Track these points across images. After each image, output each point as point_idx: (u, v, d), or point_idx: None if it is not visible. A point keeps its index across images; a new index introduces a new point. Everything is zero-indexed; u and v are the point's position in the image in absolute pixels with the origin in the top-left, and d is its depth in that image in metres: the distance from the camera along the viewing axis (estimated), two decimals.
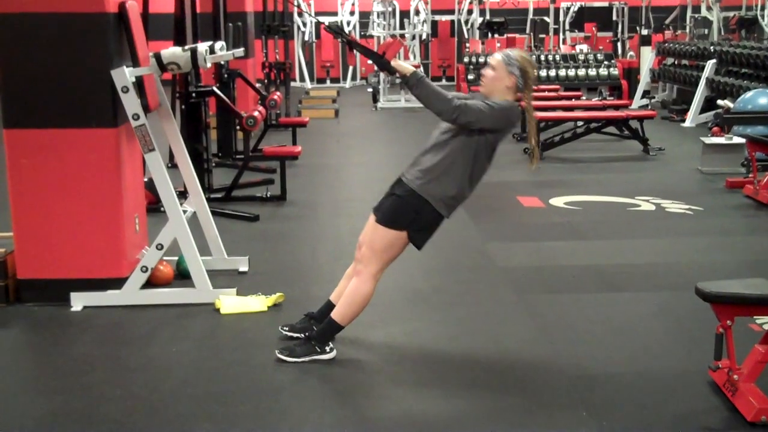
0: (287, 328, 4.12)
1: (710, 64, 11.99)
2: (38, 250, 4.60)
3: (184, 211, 4.87)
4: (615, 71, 14.29)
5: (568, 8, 18.12)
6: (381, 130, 12.22)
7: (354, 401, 3.54)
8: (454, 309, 4.60)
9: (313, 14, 18.01)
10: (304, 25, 18.33)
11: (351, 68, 18.81)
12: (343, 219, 6.56)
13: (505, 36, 16.89)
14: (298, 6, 16.33)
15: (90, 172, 4.55)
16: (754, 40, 14.51)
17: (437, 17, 19.07)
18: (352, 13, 18.67)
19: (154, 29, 6.15)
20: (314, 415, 3.37)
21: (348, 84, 18.77)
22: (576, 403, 3.45)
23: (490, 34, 16.54)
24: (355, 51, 3.88)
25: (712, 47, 12.38)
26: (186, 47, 4.82)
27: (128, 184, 4.70)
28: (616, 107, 11.05)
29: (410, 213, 3.68)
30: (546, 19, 17.68)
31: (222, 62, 8.38)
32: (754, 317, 4.14)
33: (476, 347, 4.07)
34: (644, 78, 14.39)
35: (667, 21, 16.96)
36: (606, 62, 14.47)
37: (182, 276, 4.91)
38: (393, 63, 3.69)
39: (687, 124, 11.94)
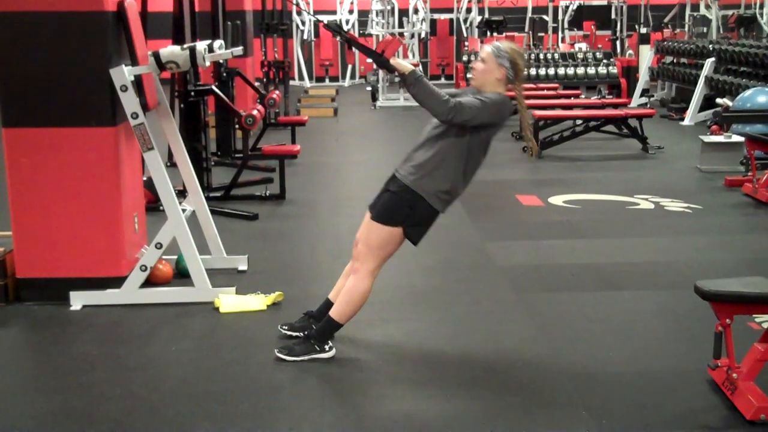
0: (286, 327, 4.12)
1: (709, 63, 11.99)
2: (37, 249, 4.60)
3: (183, 210, 4.87)
4: (614, 70, 14.28)
5: (567, 7, 18.11)
6: (380, 128, 12.21)
7: (353, 400, 3.55)
8: (454, 308, 4.60)
9: (311, 13, 18.00)
10: (303, 23, 18.32)
11: (350, 67, 18.80)
12: (342, 218, 6.56)
13: (504, 34, 16.85)
14: (297, 4, 16.32)
15: (89, 171, 4.54)
16: (753, 38, 14.50)
17: (436, 16, 19.06)
18: (351, 11, 18.67)
19: (152, 28, 6.15)
20: (313, 413, 3.37)
21: (347, 83, 18.76)
22: (575, 402, 3.45)
23: (488, 33, 16.52)
24: (354, 49, 3.88)
25: (711, 46, 12.38)
26: (185, 46, 4.82)
27: (127, 183, 4.70)
28: (615, 106, 11.04)
29: (404, 209, 3.68)
30: (545, 17, 17.68)
31: (221, 61, 8.37)
32: (753, 315, 4.14)
33: (475, 346, 4.07)
34: (643, 76, 14.39)
35: (666, 19, 16.95)
36: (605, 61, 14.46)
37: (181, 275, 4.91)
38: (392, 61, 3.69)
39: (686, 122, 11.94)
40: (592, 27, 18.18)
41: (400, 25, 17.15)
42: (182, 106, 6.82)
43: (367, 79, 16.25)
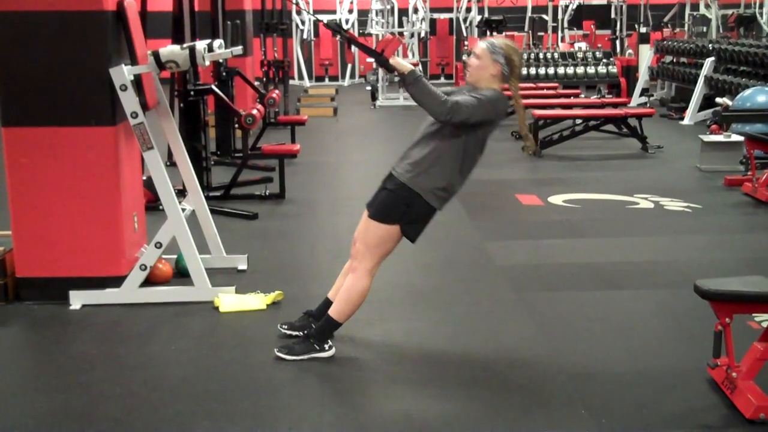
0: (286, 326, 4.12)
1: (709, 62, 11.99)
2: (37, 249, 4.60)
3: (183, 210, 4.87)
4: (614, 69, 14.29)
5: (567, 6, 18.11)
6: (380, 128, 12.22)
7: (353, 399, 3.55)
8: (453, 307, 4.60)
9: (311, 12, 18.00)
10: (303, 23, 18.32)
11: (350, 66, 18.80)
12: (342, 217, 6.55)
13: (504, 34, 16.86)
14: (297, 4, 16.32)
15: (89, 171, 4.54)
16: (753, 37, 14.50)
17: (436, 15, 19.06)
18: (350, 11, 18.67)
19: (152, 27, 6.16)
20: (313, 413, 3.37)
21: (347, 82, 18.76)
22: (575, 401, 3.45)
23: (488, 32, 16.50)
24: (353, 48, 3.88)
25: (710, 45, 12.38)
26: (184, 45, 4.82)
27: (127, 183, 4.70)
28: (615, 105, 11.04)
29: (401, 206, 3.68)
30: (544, 17, 17.68)
31: (220, 60, 8.37)
32: (753, 315, 4.14)
33: (475, 345, 4.07)
34: (643, 76, 14.39)
35: (666, 19, 16.95)
36: (605, 60, 14.47)
37: (181, 274, 4.91)
38: (391, 61, 3.68)
39: (685, 122, 11.94)
40: (592, 26, 18.19)
41: (400, 25, 17.15)
42: (182, 105, 6.82)
43: (366, 79, 16.26)
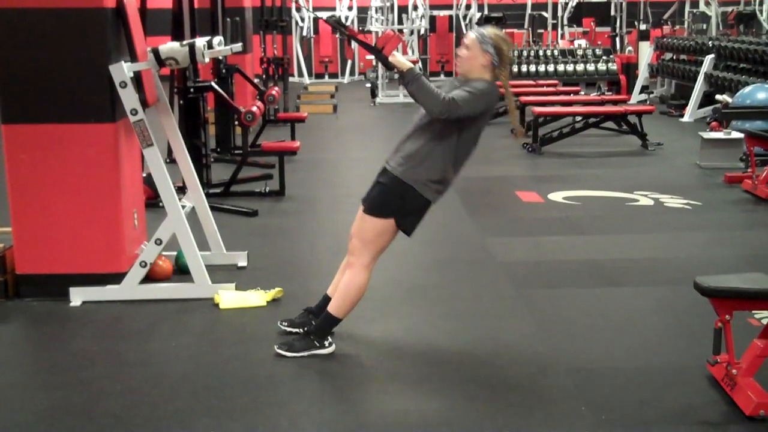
0: (286, 323, 4.12)
1: (709, 59, 11.99)
2: (37, 245, 4.60)
3: (183, 207, 4.88)
4: (613, 66, 14.28)
5: (567, 3, 18.10)
6: (379, 125, 12.21)
7: (353, 396, 3.55)
8: (453, 304, 4.60)
9: (311, 9, 17.99)
10: (303, 20, 18.31)
11: (349, 63, 18.79)
12: (342, 214, 6.55)
13: (503, 31, 16.85)
14: (297, 1, 16.31)
15: (89, 167, 4.54)
16: (753, 35, 14.50)
17: (435, 12, 19.04)
18: (350, 8, 18.65)
19: (152, 24, 6.15)
20: (313, 409, 3.37)
21: (346, 79, 18.75)
22: (575, 398, 3.45)
23: None
24: (353, 45, 3.88)
25: (710, 42, 12.37)
26: (184, 42, 4.82)
27: (127, 180, 4.70)
28: (615, 102, 11.05)
29: (396, 200, 3.68)
30: (544, 14, 17.66)
31: (220, 57, 8.37)
32: (753, 312, 4.14)
33: (475, 342, 4.07)
34: (643, 73, 14.39)
35: (666, 16, 16.96)
36: (604, 57, 14.46)
37: (181, 271, 4.91)
38: (390, 58, 3.68)
39: (685, 119, 11.94)
40: (592, 23, 18.18)
41: (400, 22, 17.14)
42: (182, 102, 6.82)
43: (366, 76, 16.25)
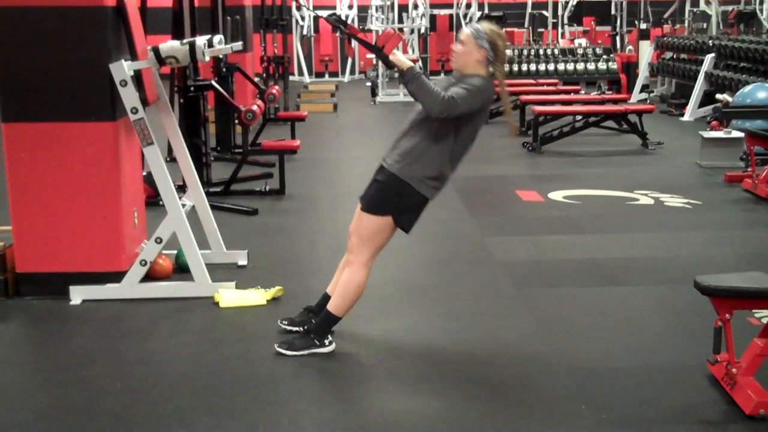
0: (286, 322, 4.12)
1: (709, 58, 11.98)
2: (37, 244, 4.60)
3: (183, 205, 4.87)
4: (614, 65, 14.28)
5: (567, 2, 18.10)
6: (380, 124, 12.21)
7: (353, 395, 3.55)
8: (453, 303, 4.60)
9: (311, 8, 17.98)
10: (303, 19, 18.30)
11: (350, 62, 18.79)
12: (342, 213, 6.54)
13: (504, 30, 16.85)
14: (297, 0, 16.30)
15: (89, 166, 4.54)
16: (753, 34, 14.50)
17: (435, 11, 19.04)
18: (350, 6, 18.65)
19: (152, 23, 6.14)
20: (313, 408, 3.37)
21: (347, 78, 18.75)
22: (575, 397, 3.45)
23: None
24: (353, 43, 3.87)
25: (710, 41, 12.37)
26: (184, 41, 4.82)
27: (127, 178, 4.70)
28: (615, 101, 11.04)
29: (393, 197, 3.68)
30: (545, 13, 17.66)
31: (220, 56, 8.37)
32: (753, 311, 4.14)
33: (475, 341, 4.07)
34: (643, 72, 14.38)
35: (666, 15, 16.95)
36: (605, 56, 14.46)
37: (181, 269, 4.91)
38: (391, 57, 3.67)
39: (686, 118, 11.94)
40: (592, 23, 18.18)
41: (400, 21, 17.14)
42: (182, 101, 6.82)
43: (366, 75, 16.24)
